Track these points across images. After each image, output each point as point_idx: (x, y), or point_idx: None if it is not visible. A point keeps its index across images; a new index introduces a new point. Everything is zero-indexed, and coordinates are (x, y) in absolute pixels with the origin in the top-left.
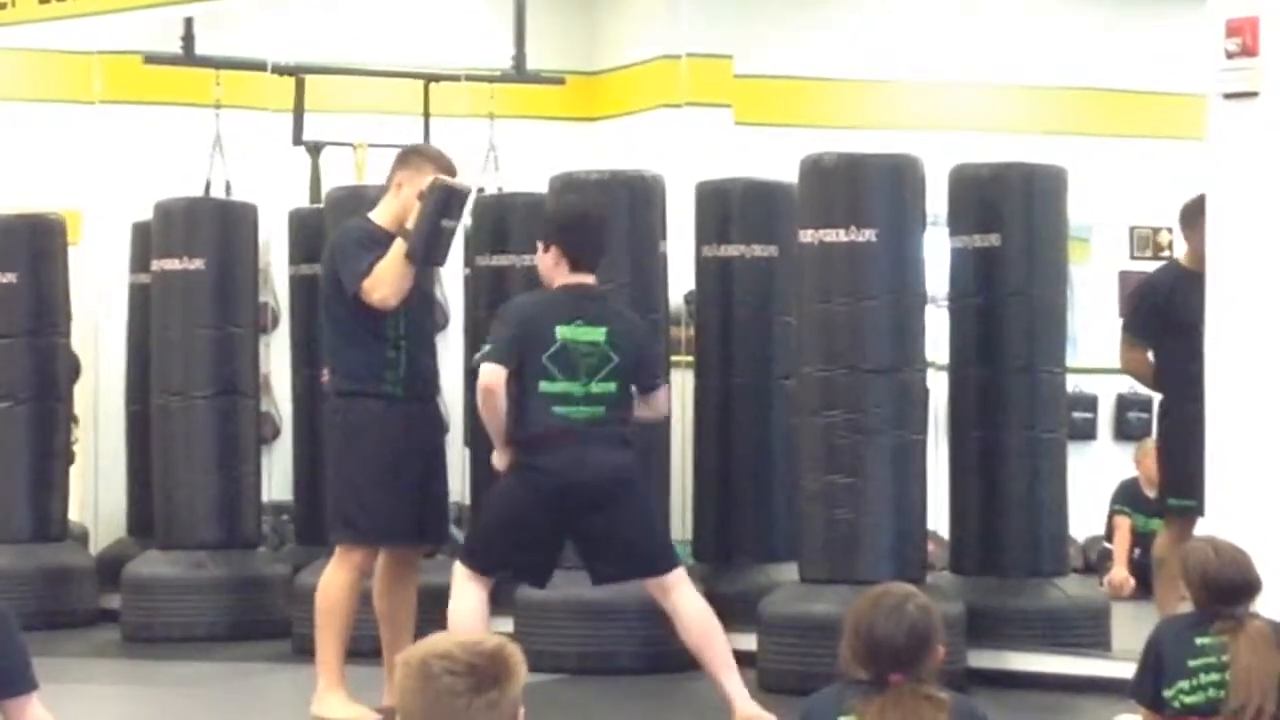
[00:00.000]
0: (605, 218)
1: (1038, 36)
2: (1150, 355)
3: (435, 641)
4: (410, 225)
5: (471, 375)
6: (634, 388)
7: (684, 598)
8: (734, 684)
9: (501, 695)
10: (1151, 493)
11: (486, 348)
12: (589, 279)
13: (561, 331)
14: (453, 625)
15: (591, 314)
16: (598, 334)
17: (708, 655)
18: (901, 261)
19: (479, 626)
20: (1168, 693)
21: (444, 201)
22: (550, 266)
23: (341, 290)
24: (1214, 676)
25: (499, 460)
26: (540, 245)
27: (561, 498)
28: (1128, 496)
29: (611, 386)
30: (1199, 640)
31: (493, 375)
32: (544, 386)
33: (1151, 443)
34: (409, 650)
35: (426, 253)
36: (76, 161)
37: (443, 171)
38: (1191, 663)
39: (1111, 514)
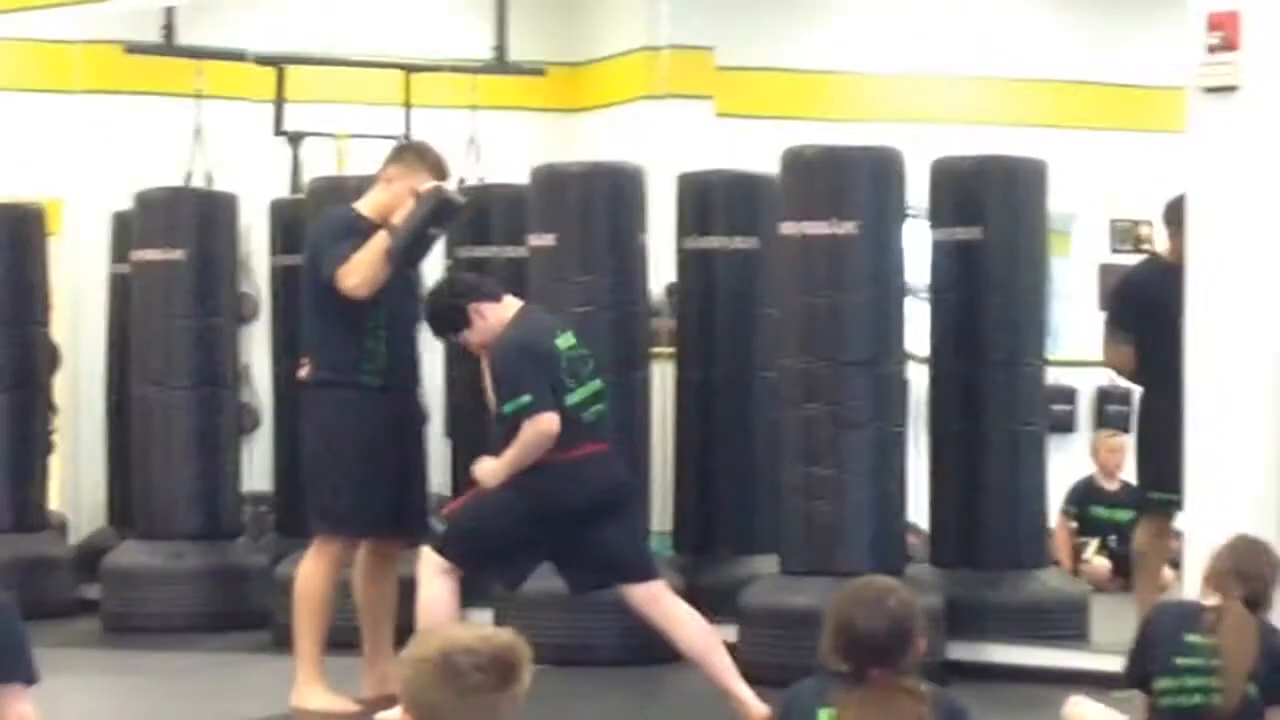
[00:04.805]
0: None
1: (1019, 29)
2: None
3: (451, 636)
4: (397, 222)
5: (509, 420)
6: None
7: (675, 605)
8: (741, 686)
9: (514, 678)
10: (1109, 485)
11: (526, 399)
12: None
13: (556, 344)
14: (425, 617)
15: (556, 323)
16: (571, 338)
17: (711, 660)
18: (883, 254)
19: (451, 619)
20: (1156, 686)
21: (436, 210)
22: (492, 316)
23: (322, 278)
24: (1199, 680)
25: (495, 476)
26: (472, 315)
27: (589, 508)
28: (1081, 496)
29: (599, 383)
30: (1189, 638)
31: (553, 422)
32: (569, 399)
33: (1106, 435)
34: (419, 646)
35: (406, 254)
36: (57, 151)
37: (437, 176)
38: (1179, 660)
39: (1061, 514)
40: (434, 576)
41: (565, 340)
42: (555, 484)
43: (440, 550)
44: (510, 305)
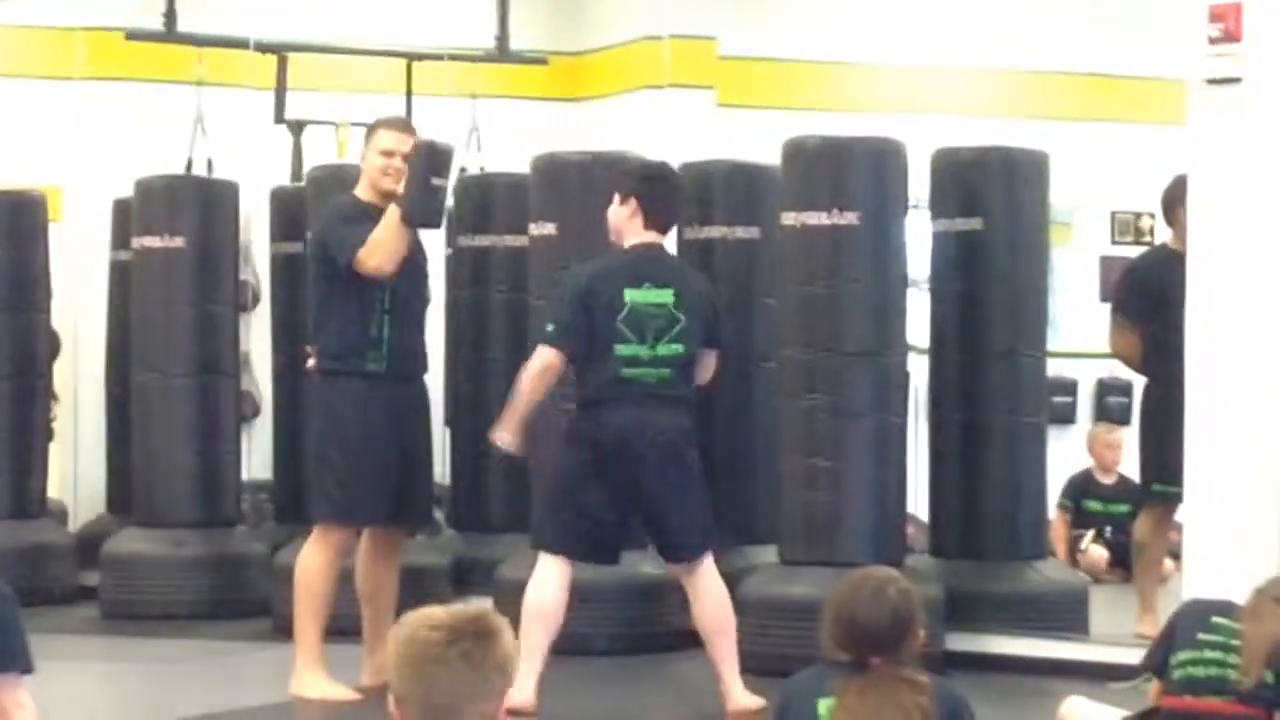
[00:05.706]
0: (683, 184)
1: (1021, 20)
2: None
3: (423, 614)
4: (402, 191)
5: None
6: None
7: (709, 581)
8: (733, 676)
9: (478, 649)
10: (1106, 479)
11: (549, 326)
12: (658, 239)
13: (630, 295)
14: (528, 608)
15: (659, 276)
16: (665, 295)
17: (716, 643)
18: (883, 245)
19: (557, 610)
20: (1174, 660)
21: (429, 161)
22: (625, 218)
23: (328, 266)
24: (1218, 654)
25: (503, 436)
26: (617, 197)
27: (619, 456)
28: (1077, 490)
29: (678, 348)
30: (1215, 619)
31: (553, 357)
32: (619, 350)
33: (1103, 431)
34: (398, 626)
35: (420, 213)
36: (58, 137)
37: (390, 129)
38: (1201, 635)
39: (1058, 507)
40: (544, 563)
41: (648, 294)
42: (578, 427)
43: (536, 548)
44: (645, 235)
